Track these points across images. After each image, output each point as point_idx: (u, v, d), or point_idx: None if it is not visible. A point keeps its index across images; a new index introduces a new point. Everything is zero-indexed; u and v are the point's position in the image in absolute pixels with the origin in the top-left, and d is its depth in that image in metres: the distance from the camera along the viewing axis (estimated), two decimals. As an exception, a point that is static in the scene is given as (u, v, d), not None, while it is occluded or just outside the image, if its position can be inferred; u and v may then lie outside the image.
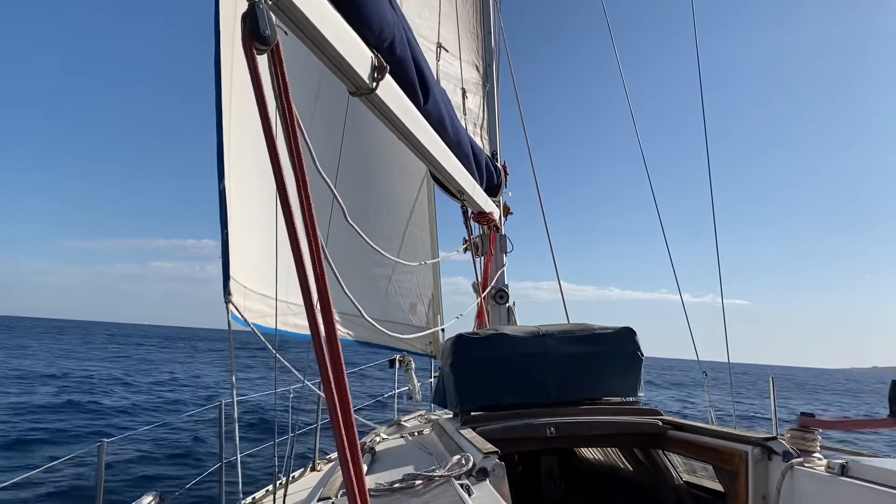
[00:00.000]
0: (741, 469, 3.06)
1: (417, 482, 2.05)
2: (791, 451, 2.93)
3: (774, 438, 3.04)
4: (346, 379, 1.46)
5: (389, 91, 2.74)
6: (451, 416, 4.37)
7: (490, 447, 2.65)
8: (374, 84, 2.48)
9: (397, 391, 7.95)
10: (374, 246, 3.26)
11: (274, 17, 1.63)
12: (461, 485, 1.96)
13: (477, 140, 6.11)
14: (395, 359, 7.66)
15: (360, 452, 1.36)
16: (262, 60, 1.53)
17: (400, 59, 2.81)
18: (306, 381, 4.01)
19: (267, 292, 4.08)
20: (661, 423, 3.74)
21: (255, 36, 1.48)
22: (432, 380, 7.72)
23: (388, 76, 2.58)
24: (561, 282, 6.96)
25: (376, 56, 2.48)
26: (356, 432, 1.40)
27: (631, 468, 4.53)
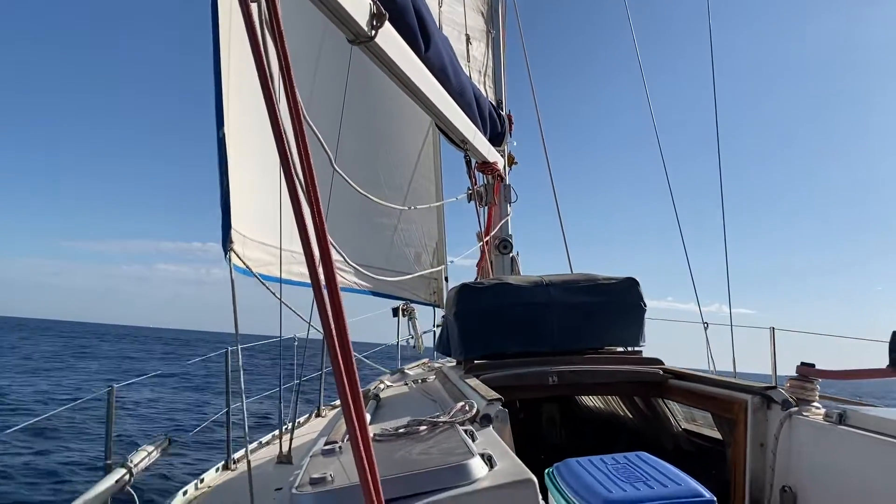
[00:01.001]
0: (740, 417, 3.10)
1: (422, 428, 2.08)
2: (790, 399, 2.97)
3: (774, 388, 3.07)
4: (348, 326, 1.47)
5: (389, 39, 2.68)
6: (454, 364, 4.42)
7: (493, 394, 2.69)
8: (373, 32, 2.43)
9: (400, 340, 8.03)
10: (364, 192, 3.25)
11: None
12: (465, 430, 1.99)
13: (481, 88, 6.02)
14: (398, 307, 7.71)
15: (362, 399, 1.37)
16: (257, 8, 1.49)
17: (399, 5, 2.75)
18: (311, 325, 4.05)
19: (269, 241, 4.09)
20: (662, 372, 3.78)
21: (248, -18, 1.44)
22: (435, 329, 7.79)
23: (387, 23, 2.52)
24: (564, 230, 6.94)
25: (374, 2, 2.43)
26: (358, 379, 1.41)
27: (631, 416, 4.60)
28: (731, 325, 6.59)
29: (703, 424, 4.03)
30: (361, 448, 1.26)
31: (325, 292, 1.43)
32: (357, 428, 1.28)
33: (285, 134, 1.50)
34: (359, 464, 1.24)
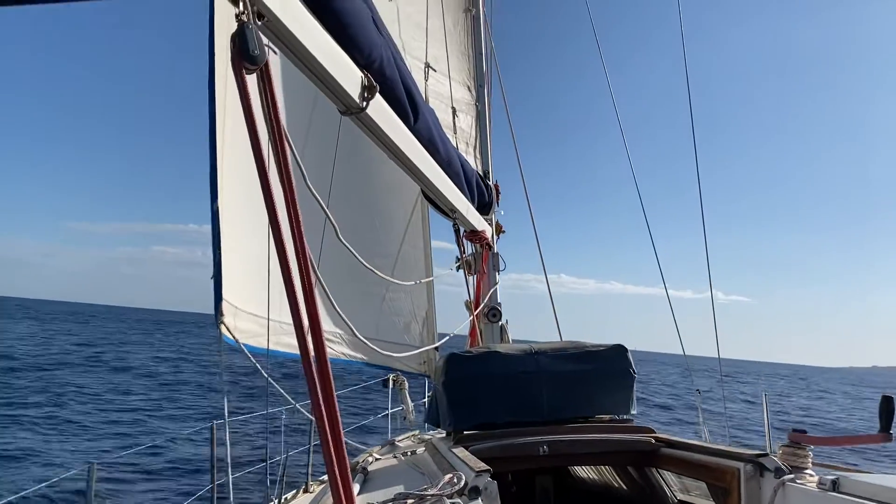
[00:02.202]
0: (733, 486, 3.06)
1: (409, 502, 2.04)
2: (783, 467, 2.95)
3: (766, 455, 3.05)
4: (336, 399, 1.46)
5: (380, 110, 2.76)
6: (444, 435, 4.36)
7: (482, 465, 2.65)
8: (365, 103, 2.50)
9: (391, 411, 7.91)
10: (367, 264, 3.27)
11: (264, 38, 1.64)
12: (453, 503, 1.95)
13: (469, 159, 6.16)
14: (388, 378, 7.63)
15: (349, 472, 1.36)
16: (252, 80, 1.53)
17: (389, 78, 2.83)
18: (297, 405, 4.00)
19: (258, 312, 4.08)
20: (653, 441, 3.74)
21: (244, 56, 1.49)
22: (426, 400, 7.70)
23: (378, 95, 2.60)
24: (554, 305, 6.97)
25: (366, 76, 2.51)
26: (345, 452, 1.39)
27: (625, 486, 4.52)
28: (724, 396, 6.55)
29: (698, 494, 3.96)
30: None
31: (313, 363, 1.43)
32: (343, 494, 1.27)
33: (277, 204, 1.53)
34: None
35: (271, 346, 4.12)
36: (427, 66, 6.14)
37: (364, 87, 2.49)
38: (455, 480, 2.29)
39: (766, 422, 5.62)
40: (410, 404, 7.74)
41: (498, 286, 6.50)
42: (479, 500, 2.24)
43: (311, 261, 1.65)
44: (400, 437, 5.71)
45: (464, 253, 6.23)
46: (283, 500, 5.25)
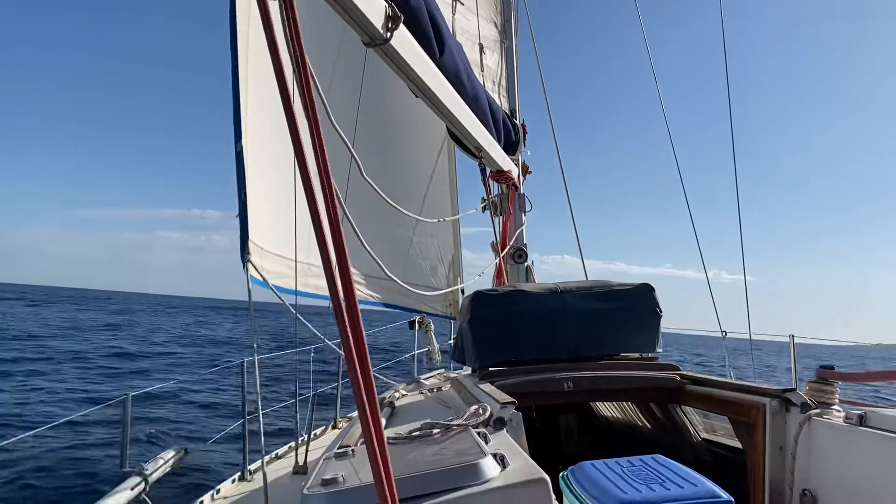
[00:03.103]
0: (759, 421, 3.07)
1: (435, 431, 2.07)
2: (809, 402, 2.94)
3: (793, 390, 3.05)
4: (363, 331, 1.46)
5: (404, 42, 2.70)
6: (469, 372, 4.41)
7: (507, 398, 2.67)
8: (389, 34, 2.45)
9: (417, 352, 8.02)
10: (391, 202, 3.25)
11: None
12: (478, 433, 1.97)
13: (495, 98, 6.03)
14: (415, 320, 7.72)
15: (378, 402, 1.36)
16: (275, 8, 1.49)
17: (414, 8, 2.76)
18: (325, 340, 4.06)
19: (285, 254, 4.10)
20: (678, 378, 3.74)
21: (266, -20, 1.44)
22: (451, 342, 7.79)
23: (402, 26, 2.54)
24: (581, 247, 6.93)
25: (389, 5, 2.45)
26: (374, 383, 1.40)
27: (649, 425, 4.56)
28: (750, 336, 6.51)
29: (722, 434, 3.98)
30: (376, 446, 1.25)
31: (342, 303, 1.42)
32: (371, 426, 1.27)
33: (304, 141, 1.50)
34: (373, 462, 1.23)
35: (298, 288, 4.15)
36: (454, -1, 5.98)
37: (387, 17, 2.44)
38: (480, 412, 2.31)
39: (792, 360, 5.60)
40: (436, 345, 7.84)
41: (524, 227, 6.46)
42: (504, 431, 2.26)
43: (337, 196, 1.63)
44: (426, 376, 5.80)
45: (490, 193, 6.18)
46: (312, 436, 5.38)
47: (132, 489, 3.42)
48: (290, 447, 5.67)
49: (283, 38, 1.49)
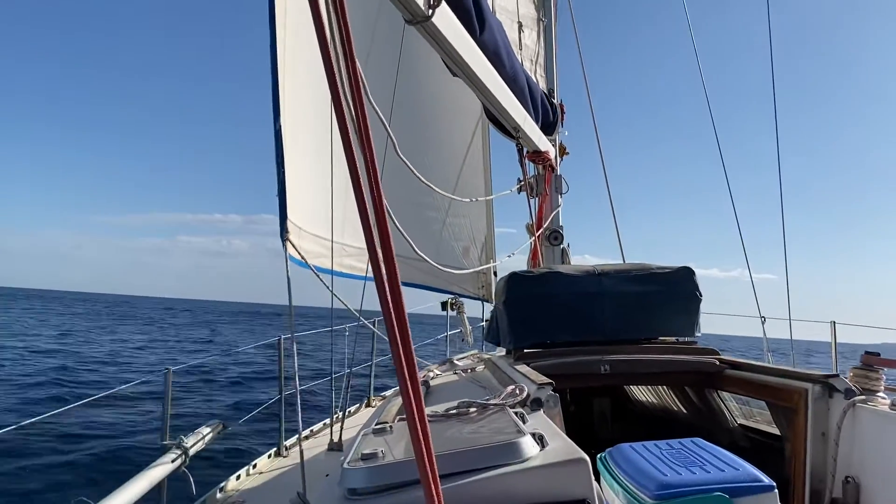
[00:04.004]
0: (800, 406, 3.02)
1: (472, 410, 2.07)
2: (853, 388, 2.88)
3: (836, 376, 2.99)
4: (406, 313, 1.46)
5: (445, 19, 2.68)
6: (503, 353, 4.40)
7: (544, 378, 2.66)
8: (430, 11, 2.43)
9: (449, 333, 8.04)
10: (423, 179, 3.24)
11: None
12: (515, 413, 1.96)
13: (533, 77, 5.96)
14: (447, 301, 7.73)
15: (419, 379, 1.37)
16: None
17: (455, -16, 2.73)
18: (362, 318, 4.09)
19: (320, 233, 4.13)
20: (718, 362, 3.69)
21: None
22: (483, 324, 7.79)
23: (443, 3, 2.52)
24: (618, 228, 6.86)
25: (431, -19, 2.42)
26: (415, 361, 1.40)
27: (684, 410, 4.52)
28: (790, 320, 6.39)
29: (759, 421, 3.93)
30: (417, 422, 1.25)
31: (385, 281, 1.43)
32: (413, 402, 1.28)
33: (348, 121, 1.49)
34: (414, 437, 1.24)
35: (333, 268, 4.18)
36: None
37: (429, -6, 2.41)
38: (517, 392, 2.30)
39: (833, 347, 5.48)
40: (468, 326, 7.86)
41: (560, 209, 6.41)
42: (542, 411, 2.25)
43: (380, 176, 1.63)
44: (459, 356, 5.82)
45: (526, 174, 6.14)
46: (347, 413, 5.45)
47: (172, 462, 3.51)
48: (324, 424, 5.75)
49: (328, 14, 1.49)
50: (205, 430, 4.04)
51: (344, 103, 1.48)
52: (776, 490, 1.88)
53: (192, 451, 3.72)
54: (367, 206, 1.49)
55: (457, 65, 3.16)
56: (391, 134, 2.53)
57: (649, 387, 4.98)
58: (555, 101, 6.42)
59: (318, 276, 3.78)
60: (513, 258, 6.20)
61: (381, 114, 2.33)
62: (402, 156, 2.74)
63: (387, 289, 1.44)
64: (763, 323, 6.50)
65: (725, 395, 4.05)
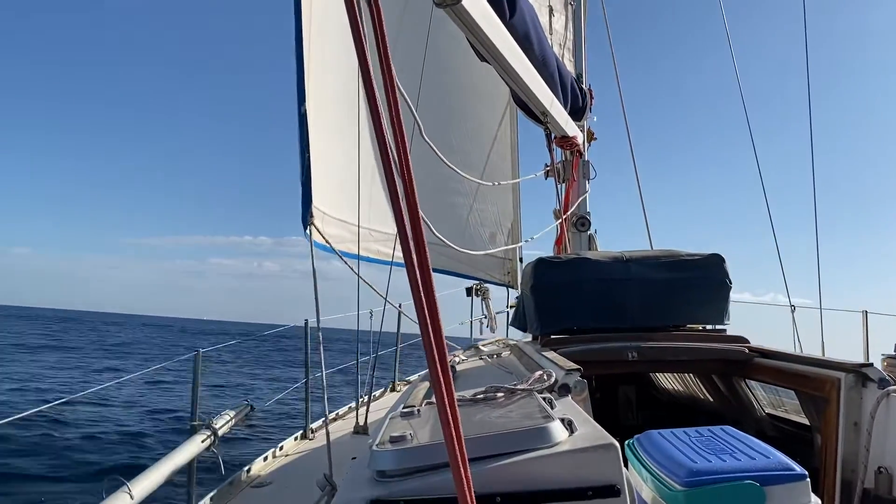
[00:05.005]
0: (832, 395, 2.97)
1: (499, 394, 2.06)
2: (888, 378, 2.83)
3: (870, 365, 2.93)
4: (437, 297, 1.46)
5: (475, 2, 2.65)
6: (529, 339, 4.39)
7: (572, 364, 2.65)
8: (460, -7, 2.40)
9: (473, 319, 8.05)
10: (449, 164, 3.23)
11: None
12: (543, 398, 1.96)
13: (563, 62, 5.91)
14: (472, 287, 7.74)
15: (448, 363, 1.37)
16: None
17: (487, -33, 2.70)
18: (389, 301, 4.11)
19: (346, 218, 4.13)
20: (747, 351, 3.64)
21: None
22: (509, 310, 7.78)
23: (473, -15, 2.49)
24: (646, 214, 6.79)
25: (461, -37, 2.39)
26: (445, 344, 1.40)
27: (711, 399, 4.48)
28: (821, 309, 6.29)
29: (788, 410, 3.89)
30: (447, 405, 1.25)
31: (416, 265, 1.43)
32: (443, 385, 1.28)
33: (379, 104, 1.48)
34: (443, 420, 1.24)
35: (360, 253, 4.19)
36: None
37: (459, -26, 2.39)
38: (545, 377, 2.29)
39: (864, 337, 5.40)
40: (493, 312, 7.85)
41: (588, 194, 6.36)
42: (570, 397, 2.24)
43: (410, 161, 1.62)
44: (484, 342, 5.81)
45: (553, 160, 6.09)
46: (372, 397, 5.49)
47: (202, 442, 3.57)
48: (349, 408, 5.80)
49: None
50: (233, 412, 4.10)
51: (376, 87, 1.48)
52: (808, 479, 1.85)
53: (220, 433, 3.78)
54: (398, 191, 1.48)
55: (486, 49, 3.14)
56: (417, 118, 2.52)
57: (676, 375, 4.94)
58: (584, 86, 6.35)
59: (343, 260, 3.80)
60: (541, 244, 6.18)
61: (408, 98, 2.32)
62: (427, 139, 2.73)
63: (417, 272, 1.44)
64: (793, 311, 6.40)
65: (753, 383, 4.01)
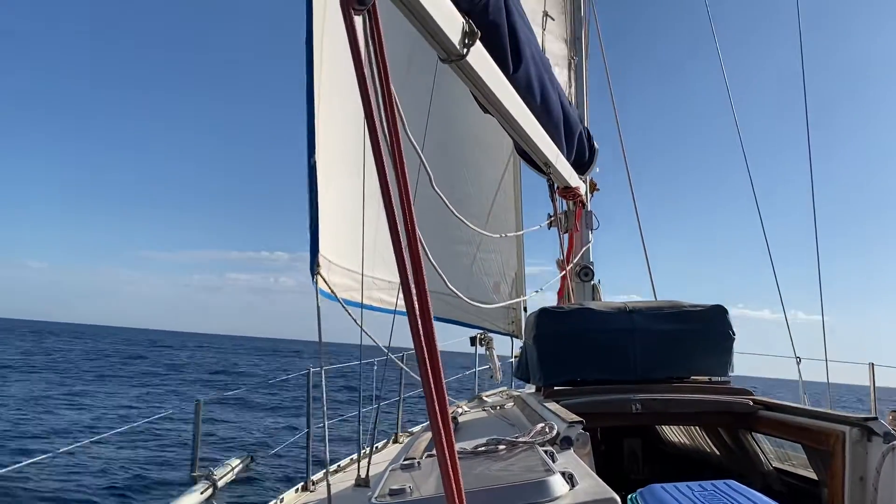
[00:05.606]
0: (837, 450, 2.93)
1: (501, 447, 2.05)
2: (893, 432, 2.79)
3: (875, 419, 2.90)
4: (438, 350, 1.46)
5: (479, 57, 2.71)
6: (533, 390, 4.36)
7: (574, 417, 2.63)
8: (465, 50, 2.47)
9: (478, 369, 7.98)
10: (458, 214, 3.25)
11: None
12: (545, 451, 1.94)
13: (573, 112, 5.99)
14: (475, 336, 7.68)
15: (449, 415, 1.36)
16: (360, 22, 1.52)
17: (493, 24, 2.78)
18: (390, 355, 4.08)
19: (351, 266, 4.15)
20: (752, 403, 3.61)
21: (353, -7, 1.47)
22: (513, 360, 7.72)
23: (478, 42, 2.55)
24: (648, 259, 6.80)
25: (467, 21, 2.46)
26: (447, 397, 1.40)
27: (717, 452, 4.41)
28: (826, 360, 6.22)
29: (795, 465, 3.83)
30: (447, 458, 1.24)
31: (418, 317, 1.43)
32: (444, 438, 1.27)
33: (384, 155, 1.51)
34: (444, 473, 1.23)
35: (363, 301, 4.19)
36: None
37: (465, 34, 2.45)
38: (547, 430, 2.27)
39: (871, 390, 5.34)
40: (497, 362, 7.78)
41: (591, 245, 6.38)
42: (571, 450, 2.22)
43: (414, 211, 1.64)
44: (487, 393, 5.76)
45: (556, 210, 6.13)
46: (374, 449, 5.40)
47: (201, 493, 3.51)
48: (351, 459, 5.71)
49: (367, 49, 1.52)
50: (233, 462, 4.04)
51: (381, 137, 1.51)
52: None
53: (220, 483, 3.72)
54: (401, 240, 1.50)
55: (488, 101, 3.19)
56: (427, 168, 2.55)
57: (681, 427, 4.89)
58: (594, 143, 6.43)
59: (346, 309, 3.79)
60: (544, 294, 6.17)
61: (418, 148, 2.36)
62: (437, 190, 2.76)
63: (419, 322, 1.44)
64: (798, 364, 6.34)
65: (760, 436, 3.96)
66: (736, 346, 4.01)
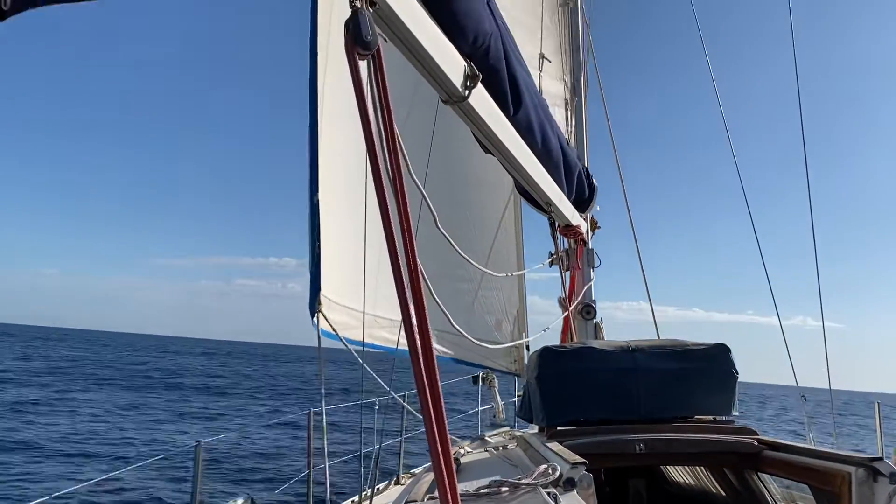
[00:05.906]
0: (843, 491, 2.89)
1: (503, 489, 2.03)
2: None
3: (881, 459, 2.87)
4: (441, 390, 1.46)
5: (480, 99, 2.76)
6: (536, 431, 4.31)
7: (578, 458, 2.60)
8: (467, 92, 2.51)
9: (480, 409, 7.91)
10: (463, 254, 3.26)
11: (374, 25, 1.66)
12: (548, 493, 1.91)
13: (572, 152, 6.05)
14: (478, 376, 7.63)
15: (452, 457, 1.35)
16: (364, 67, 1.55)
17: (493, 67, 2.83)
18: (393, 393, 4.05)
19: (352, 305, 4.14)
20: (756, 443, 3.57)
21: (357, 41, 1.51)
22: (516, 399, 7.66)
23: (479, 84, 2.60)
24: (651, 298, 6.79)
25: (469, 65, 2.51)
26: (449, 438, 1.39)
27: (723, 492, 4.35)
28: (832, 402, 6.17)
29: None
30: (450, 500, 1.23)
31: (420, 356, 1.43)
32: (446, 479, 1.26)
33: (387, 195, 1.53)
34: None
35: (364, 339, 4.17)
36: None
37: (467, 76, 2.50)
38: (550, 471, 2.25)
39: (878, 428, 5.29)
40: (500, 402, 7.71)
41: (593, 283, 6.37)
42: (574, 491, 2.19)
43: (416, 253, 1.65)
44: (490, 433, 5.69)
45: (558, 248, 6.14)
46: (375, 490, 5.32)
47: None
48: (352, 502, 5.62)
49: (370, 90, 1.55)
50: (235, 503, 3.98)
51: (384, 176, 1.53)
52: None
53: (221, 527, 3.67)
54: (403, 277, 1.51)
55: (489, 141, 3.23)
56: (432, 208, 2.57)
57: (686, 467, 4.83)
58: (594, 181, 6.48)
59: (348, 347, 3.78)
60: (547, 332, 6.14)
61: (423, 188, 2.38)
62: (442, 229, 2.77)
63: (421, 361, 1.44)
64: (804, 402, 6.29)
65: (766, 477, 3.91)
66: (739, 383, 3.99)
